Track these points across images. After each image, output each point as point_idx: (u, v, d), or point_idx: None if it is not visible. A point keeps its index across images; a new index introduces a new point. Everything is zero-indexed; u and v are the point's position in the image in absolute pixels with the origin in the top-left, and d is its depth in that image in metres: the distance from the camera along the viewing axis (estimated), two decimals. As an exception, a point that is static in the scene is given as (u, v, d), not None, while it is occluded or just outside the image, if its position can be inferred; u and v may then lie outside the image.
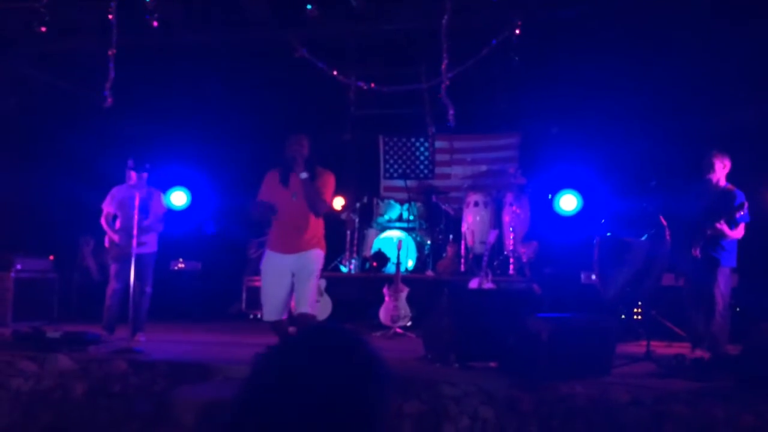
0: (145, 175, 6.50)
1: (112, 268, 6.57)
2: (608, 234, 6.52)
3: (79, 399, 4.72)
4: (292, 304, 5.08)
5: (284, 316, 5.03)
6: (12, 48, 7.71)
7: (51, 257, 8.03)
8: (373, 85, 7.67)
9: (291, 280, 4.97)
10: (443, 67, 6.38)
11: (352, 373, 1.22)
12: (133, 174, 6.51)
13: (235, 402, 1.21)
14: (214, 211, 9.91)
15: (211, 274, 9.62)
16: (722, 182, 5.94)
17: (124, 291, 6.40)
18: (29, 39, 7.11)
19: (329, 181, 5.08)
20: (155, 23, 6.32)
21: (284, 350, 1.27)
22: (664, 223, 5.64)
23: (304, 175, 4.86)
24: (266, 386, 1.20)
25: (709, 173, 5.90)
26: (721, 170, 5.90)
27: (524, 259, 8.25)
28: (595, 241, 6.35)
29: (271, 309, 4.98)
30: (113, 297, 6.52)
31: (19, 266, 7.48)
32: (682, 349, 5.97)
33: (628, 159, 8.39)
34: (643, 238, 5.96)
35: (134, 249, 5.96)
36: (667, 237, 5.58)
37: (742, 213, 5.58)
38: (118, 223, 6.59)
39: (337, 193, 10.10)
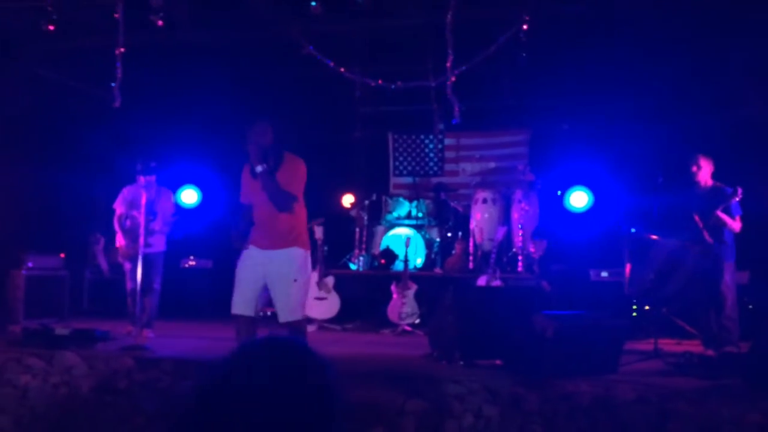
0: (153, 177, 6.53)
1: (126, 267, 6.71)
2: (632, 230, 6.44)
3: (86, 395, 4.75)
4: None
5: (250, 314, 4.53)
6: (22, 47, 7.77)
7: (62, 255, 8.08)
8: (380, 82, 7.64)
9: (262, 278, 4.55)
10: (448, 64, 6.33)
11: (300, 384, 1.21)
12: (141, 178, 6.58)
13: (180, 413, 1.20)
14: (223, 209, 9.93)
15: (222, 272, 9.62)
16: (710, 182, 6.09)
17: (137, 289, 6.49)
18: (38, 38, 7.17)
19: (297, 170, 4.55)
20: (160, 22, 6.32)
21: (228, 363, 1.25)
22: (700, 224, 5.65)
23: (259, 168, 4.38)
24: (212, 398, 1.19)
25: (696, 176, 6.05)
26: (707, 171, 6.07)
27: (533, 257, 8.21)
28: (621, 236, 6.30)
29: (235, 301, 4.56)
30: (131, 295, 6.64)
31: (30, 264, 7.53)
32: (692, 347, 5.92)
33: (639, 155, 8.32)
34: (673, 239, 5.91)
35: (141, 249, 6.02)
36: (708, 239, 5.62)
37: (737, 198, 5.70)
38: (128, 223, 6.67)
39: (345, 190, 10.20)
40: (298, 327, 4.51)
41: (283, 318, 4.48)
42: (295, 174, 4.52)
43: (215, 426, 1.16)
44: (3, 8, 7.14)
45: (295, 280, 4.49)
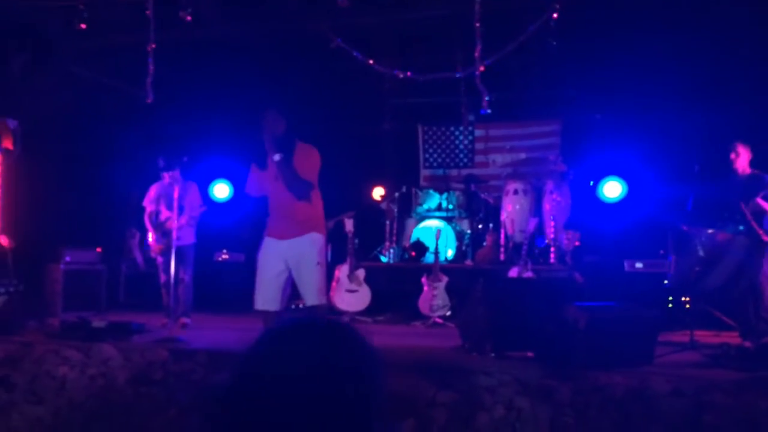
0: (176, 171, 6.63)
1: (159, 261, 6.87)
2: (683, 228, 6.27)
3: (122, 386, 4.84)
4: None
5: (276, 309, 4.56)
6: (56, 46, 7.92)
7: (99, 249, 8.25)
8: (409, 73, 7.61)
9: (286, 269, 4.55)
10: (476, 54, 6.27)
11: (339, 365, 1.17)
12: (165, 174, 6.72)
13: (218, 399, 1.18)
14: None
15: (254, 266, 9.73)
16: (748, 170, 5.95)
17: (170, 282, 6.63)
18: (71, 37, 7.30)
19: (311, 157, 4.56)
20: (188, 18, 6.38)
21: (262, 348, 1.21)
22: (749, 216, 5.53)
23: (277, 157, 4.41)
24: (249, 386, 1.16)
25: (734, 164, 5.92)
26: (745, 159, 5.94)
27: (566, 248, 8.12)
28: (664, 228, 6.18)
29: (259, 297, 4.57)
30: (164, 287, 6.80)
31: (68, 258, 7.71)
32: (730, 338, 5.81)
33: (674, 143, 8.16)
34: (710, 231, 5.78)
35: (174, 243, 6.14)
36: (761, 234, 5.50)
37: None
38: (161, 218, 6.85)
39: (376, 182, 10.20)
40: (321, 310, 4.59)
41: (311, 301, 4.52)
42: (309, 161, 4.53)
43: (252, 412, 1.14)
44: (37, 8, 7.28)
45: (318, 263, 4.53)
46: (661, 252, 7.67)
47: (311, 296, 4.51)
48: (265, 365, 1.17)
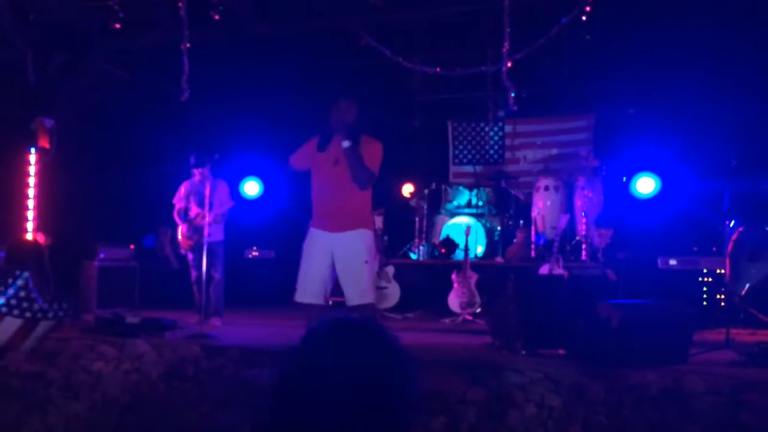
0: (206, 168, 6.69)
1: (189, 258, 6.95)
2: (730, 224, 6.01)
3: (155, 381, 4.91)
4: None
5: (320, 303, 4.48)
6: (92, 46, 8.04)
7: (132, 246, 8.37)
8: (438, 69, 7.58)
9: (330, 262, 4.45)
10: (504, 49, 6.22)
11: (375, 365, 1.20)
12: (195, 171, 6.80)
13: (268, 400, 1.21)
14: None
15: (285, 262, 9.79)
16: None
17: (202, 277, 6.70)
18: (106, 36, 7.40)
19: (376, 150, 4.49)
20: (216, 16, 6.44)
21: (305, 347, 1.25)
22: None
23: (346, 143, 4.32)
24: (293, 383, 1.20)
25: None
26: None
27: (598, 245, 8.02)
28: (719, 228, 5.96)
29: (303, 290, 4.47)
30: (196, 284, 6.88)
31: (102, 255, 7.84)
32: (766, 337, 5.68)
33: (710, 138, 8.01)
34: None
35: (206, 240, 6.21)
36: None
37: None
38: (191, 214, 6.94)
39: (405, 179, 10.19)
40: (368, 309, 4.48)
41: (354, 301, 4.42)
42: (374, 153, 4.47)
43: (298, 411, 1.17)
44: (71, 8, 7.40)
45: (366, 262, 4.43)
46: (695, 249, 7.53)
47: (356, 295, 4.42)
48: (310, 363, 1.21)
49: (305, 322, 4.48)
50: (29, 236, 7.92)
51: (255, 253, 9.78)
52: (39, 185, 8.19)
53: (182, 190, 7.06)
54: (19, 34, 7.41)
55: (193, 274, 6.93)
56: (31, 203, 8.09)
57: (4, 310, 5.12)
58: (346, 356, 1.19)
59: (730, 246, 5.95)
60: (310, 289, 4.46)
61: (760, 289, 5.82)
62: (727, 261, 6.17)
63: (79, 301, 7.48)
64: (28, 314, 5.26)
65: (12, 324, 5.17)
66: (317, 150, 4.47)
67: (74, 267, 7.72)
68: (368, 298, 4.49)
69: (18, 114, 7.92)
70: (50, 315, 5.40)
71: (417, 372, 1.25)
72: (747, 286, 5.77)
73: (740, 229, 5.76)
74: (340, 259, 4.44)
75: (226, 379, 4.81)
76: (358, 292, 4.42)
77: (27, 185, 8.12)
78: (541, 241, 8.05)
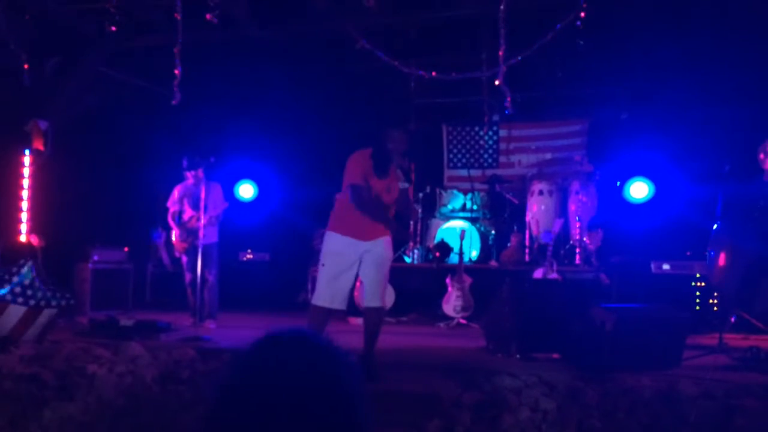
0: (200, 171, 6.70)
1: (184, 261, 6.95)
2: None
3: (150, 384, 4.90)
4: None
5: (343, 308, 4.69)
6: (88, 48, 8.04)
7: (126, 249, 8.36)
8: (434, 73, 7.61)
9: (357, 268, 4.62)
10: (500, 53, 6.25)
11: (318, 377, 1.18)
12: (188, 174, 6.81)
13: (208, 408, 1.19)
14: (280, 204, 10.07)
15: (279, 265, 9.81)
16: None
17: (196, 280, 6.70)
18: (102, 39, 7.40)
19: (411, 186, 4.88)
20: (215, 20, 6.45)
21: (248, 357, 1.23)
22: None
23: (405, 184, 4.63)
24: (235, 394, 1.17)
25: (764, 164, 5.72)
26: None
27: (590, 248, 8.05)
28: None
29: (329, 295, 4.57)
30: (190, 286, 6.91)
31: (96, 257, 7.82)
32: (759, 342, 5.70)
33: (703, 143, 8.06)
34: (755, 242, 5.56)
35: (201, 242, 6.22)
36: None
37: None
38: (184, 217, 6.95)
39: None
40: (381, 312, 4.70)
41: (373, 302, 4.60)
42: (411, 189, 4.86)
43: (237, 422, 1.15)
44: (68, 11, 7.40)
45: (388, 266, 4.71)
46: (688, 253, 7.57)
47: (377, 297, 4.59)
48: (256, 370, 1.20)
49: (314, 324, 4.61)
50: (23, 238, 7.91)
51: (249, 256, 9.77)
52: (33, 187, 8.17)
53: (176, 193, 7.06)
54: (14, 35, 7.40)
55: (188, 276, 6.93)
56: (25, 205, 8.07)
57: (9, 298, 5.13)
58: (280, 373, 1.17)
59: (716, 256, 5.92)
60: (337, 295, 4.59)
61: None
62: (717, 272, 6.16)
63: (73, 303, 7.46)
64: (32, 302, 5.29)
65: (16, 312, 5.20)
66: (374, 172, 4.58)
67: (68, 269, 7.71)
68: (382, 302, 4.68)
69: (13, 115, 7.91)
70: (53, 303, 5.41)
71: (359, 375, 1.23)
72: (758, 309, 5.71)
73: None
74: (369, 262, 4.59)
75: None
76: (378, 293, 4.60)
77: (21, 187, 8.10)
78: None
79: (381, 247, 4.61)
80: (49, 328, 5.55)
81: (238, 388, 1.18)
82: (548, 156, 9.83)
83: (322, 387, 1.16)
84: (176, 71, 6.51)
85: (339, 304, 4.62)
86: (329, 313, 4.65)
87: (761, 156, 5.76)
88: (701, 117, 8.39)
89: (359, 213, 4.60)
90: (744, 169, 5.95)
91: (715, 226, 5.62)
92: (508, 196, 9.28)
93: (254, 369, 1.20)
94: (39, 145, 8.09)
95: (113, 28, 6.55)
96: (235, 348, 5.26)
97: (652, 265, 7.48)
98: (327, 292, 4.60)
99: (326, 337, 1.28)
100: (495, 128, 10.09)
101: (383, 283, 4.63)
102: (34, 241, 7.83)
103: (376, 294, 4.59)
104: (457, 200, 9.38)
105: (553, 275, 7.30)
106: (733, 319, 6.11)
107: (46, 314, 5.47)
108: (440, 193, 9.51)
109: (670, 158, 8.62)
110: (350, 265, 4.59)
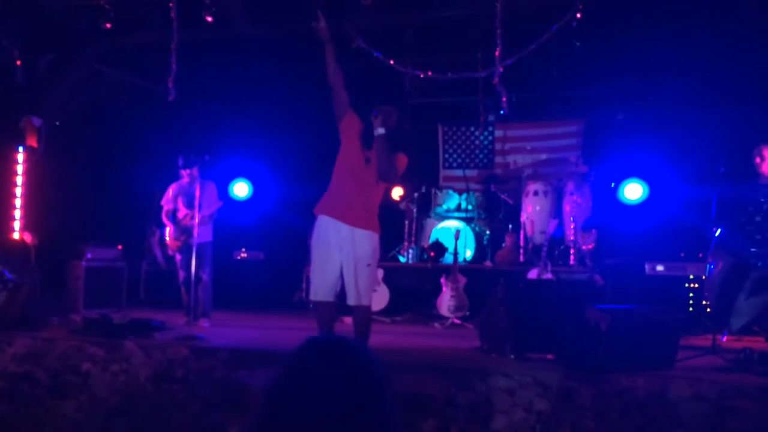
0: (194, 169, 6.68)
1: (178, 259, 6.93)
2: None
3: (144, 383, 4.89)
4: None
5: (331, 299, 4.55)
6: (82, 45, 8.00)
7: (120, 247, 8.33)
8: (430, 73, 7.60)
9: (339, 257, 4.51)
10: (497, 54, 6.25)
11: (355, 385, 1.25)
12: (183, 172, 6.80)
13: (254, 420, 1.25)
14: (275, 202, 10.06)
15: (274, 264, 9.80)
16: None
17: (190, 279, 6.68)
18: (97, 36, 7.37)
19: (400, 159, 4.61)
20: (209, 18, 6.44)
21: (291, 365, 1.29)
22: None
23: (381, 130, 4.44)
24: (282, 401, 1.24)
25: (760, 168, 5.71)
26: None
27: (585, 249, 8.06)
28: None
29: (317, 286, 4.55)
30: (184, 285, 6.88)
31: (89, 255, 7.79)
32: (752, 343, 5.73)
33: (698, 144, 8.08)
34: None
35: (195, 240, 6.21)
36: None
37: None
38: (178, 215, 6.93)
39: (396, 182, 10.19)
40: (366, 311, 4.59)
41: (354, 301, 4.50)
42: (399, 162, 4.60)
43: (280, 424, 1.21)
44: (63, 8, 7.37)
45: (369, 265, 4.52)
46: (682, 255, 7.59)
47: (353, 295, 4.48)
48: (300, 375, 1.26)
49: (316, 322, 4.62)
50: (16, 235, 7.87)
51: (244, 255, 9.76)
52: (26, 184, 8.14)
53: (170, 191, 7.04)
54: (8, 32, 7.38)
55: (181, 275, 6.91)
56: (18, 202, 8.04)
57: None
58: (328, 380, 1.23)
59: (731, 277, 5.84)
60: (322, 285, 4.54)
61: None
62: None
63: (66, 301, 7.44)
64: None
65: None
66: (360, 139, 4.59)
67: (61, 267, 7.67)
68: (364, 301, 4.54)
69: (6, 112, 7.87)
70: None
71: (394, 394, 1.30)
72: (753, 318, 5.66)
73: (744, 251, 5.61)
74: (347, 257, 4.50)
75: (215, 381, 4.79)
76: (355, 292, 4.49)
77: (14, 184, 8.07)
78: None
79: (362, 239, 4.50)
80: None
81: (283, 394, 1.25)
82: (543, 156, 9.84)
83: (358, 393, 1.23)
84: (173, 67, 6.47)
85: (323, 295, 4.53)
86: (328, 308, 4.56)
87: (757, 160, 5.75)
88: (696, 119, 8.42)
89: (338, 189, 4.62)
90: (738, 170, 5.97)
91: (717, 232, 5.59)
92: (503, 196, 9.29)
93: (298, 373, 1.27)
94: (33, 142, 8.05)
95: (108, 25, 6.52)
96: (231, 346, 5.26)
97: (647, 266, 7.49)
98: (314, 283, 4.60)
99: (361, 344, 1.34)
100: (490, 128, 10.09)
101: (361, 280, 4.48)
102: (28, 238, 7.79)
103: (355, 292, 4.47)
104: (452, 200, 9.38)
105: (548, 276, 7.31)
106: (725, 338, 6.06)
107: None
108: (435, 193, 9.51)
109: (664, 159, 8.64)
110: (333, 250, 4.51)
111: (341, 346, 1.30)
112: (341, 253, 4.51)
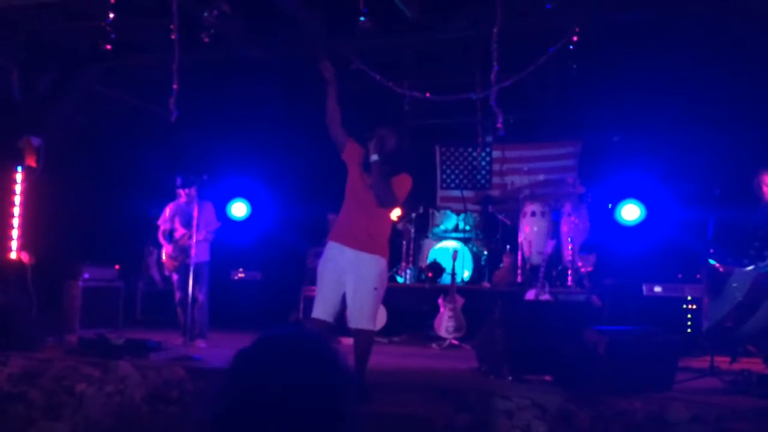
0: (192, 189, 6.70)
1: (174, 279, 6.93)
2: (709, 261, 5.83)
3: (139, 404, 4.85)
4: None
5: (329, 320, 4.55)
6: (81, 66, 8.05)
7: (117, 267, 8.31)
8: (428, 95, 7.65)
9: (343, 281, 4.54)
10: (492, 76, 6.30)
11: (314, 377, 1.23)
12: (181, 192, 6.81)
13: (209, 409, 1.24)
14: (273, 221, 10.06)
15: (271, 284, 9.78)
16: None
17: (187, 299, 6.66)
18: (96, 57, 7.41)
19: (404, 181, 4.59)
20: (206, 39, 6.48)
21: (247, 356, 1.28)
22: None
23: (375, 157, 4.46)
24: (236, 392, 1.23)
25: (761, 192, 5.67)
26: None
27: (583, 271, 8.06)
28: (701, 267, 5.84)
29: (317, 305, 4.59)
30: (180, 305, 6.87)
31: (86, 275, 7.77)
32: (750, 365, 5.71)
33: (695, 166, 8.11)
34: (749, 268, 5.48)
35: (192, 260, 6.20)
36: None
37: None
38: (175, 235, 6.94)
39: (395, 206, 10.18)
40: (367, 336, 4.56)
41: (354, 324, 4.51)
42: (401, 183, 4.58)
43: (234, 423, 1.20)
44: (62, 29, 7.42)
45: (375, 289, 4.52)
46: (679, 276, 7.59)
47: (356, 318, 4.51)
48: (242, 385, 1.24)
49: None
50: (13, 255, 7.85)
51: (241, 275, 9.74)
52: (24, 204, 8.13)
53: (167, 211, 7.05)
54: (7, 53, 7.42)
55: (178, 295, 6.89)
56: (16, 222, 8.03)
57: None
58: (276, 374, 1.22)
59: (711, 289, 5.85)
60: (318, 306, 4.58)
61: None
62: (707, 303, 6.08)
63: (62, 321, 7.40)
64: None
65: None
66: (361, 165, 4.62)
67: (58, 286, 7.65)
68: (367, 325, 4.54)
69: (5, 132, 7.89)
70: None
71: (351, 379, 1.29)
72: (745, 333, 5.62)
73: (733, 269, 5.58)
74: (351, 281, 4.51)
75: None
76: (357, 316, 4.50)
77: (12, 204, 8.06)
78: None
79: (365, 264, 4.50)
80: None
81: (236, 388, 1.24)
82: (541, 177, 9.87)
83: (313, 384, 1.22)
84: (174, 87, 6.51)
85: (320, 313, 4.55)
86: (322, 326, 4.53)
87: (765, 189, 5.67)
88: (692, 141, 8.46)
89: (344, 215, 4.68)
90: (734, 192, 5.98)
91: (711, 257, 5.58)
92: (500, 216, 9.30)
93: (251, 367, 1.26)
94: (31, 161, 8.06)
95: (108, 47, 6.56)
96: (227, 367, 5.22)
97: (644, 288, 7.50)
98: (315, 302, 4.63)
99: (319, 336, 1.32)
100: (488, 149, 10.13)
101: (365, 304, 4.49)
102: (25, 258, 7.78)
103: (358, 315, 4.48)
104: (450, 221, 9.39)
105: (545, 297, 7.30)
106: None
107: None
108: (433, 214, 9.52)
109: (661, 181, 8.68)
110: (336, 272, 4.54)
111: (296, 339, 1.29)
112: (346, 277, 4.53)
